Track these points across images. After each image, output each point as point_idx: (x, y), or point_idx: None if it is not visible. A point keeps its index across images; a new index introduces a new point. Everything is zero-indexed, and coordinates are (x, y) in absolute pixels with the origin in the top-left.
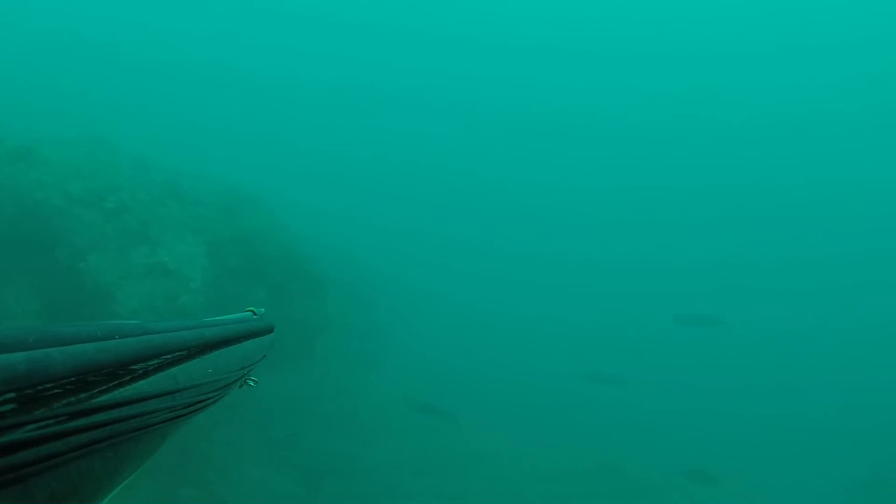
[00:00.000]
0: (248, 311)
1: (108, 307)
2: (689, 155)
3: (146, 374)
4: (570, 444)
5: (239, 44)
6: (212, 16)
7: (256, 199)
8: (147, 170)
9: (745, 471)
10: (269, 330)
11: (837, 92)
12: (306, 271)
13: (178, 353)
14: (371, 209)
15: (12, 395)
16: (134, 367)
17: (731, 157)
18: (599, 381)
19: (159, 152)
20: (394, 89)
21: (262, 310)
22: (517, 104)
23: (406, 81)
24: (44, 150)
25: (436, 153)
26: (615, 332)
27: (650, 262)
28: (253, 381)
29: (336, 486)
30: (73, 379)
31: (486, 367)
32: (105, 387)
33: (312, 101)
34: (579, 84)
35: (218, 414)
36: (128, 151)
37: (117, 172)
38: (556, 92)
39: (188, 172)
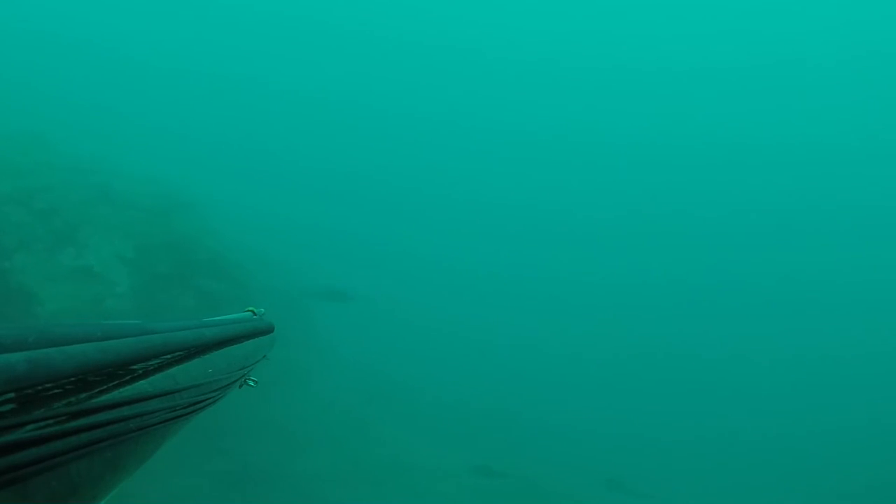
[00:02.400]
0: (248, 310)
1: (30, 308)
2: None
3: (146, 374)
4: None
5: (179, 48)
6: (154, 19)
7: (189, 204)
8: (81, 171)
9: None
10: (269, 330)
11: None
12: (236, 278)
13: (177, 353)
14: (304, 216)
15: (12, 395)
16: (134, 367)
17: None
18: None
19: (95, 153)
20: (330, 96)
21: (262, 310)
22: (455, 113)
23: (343, 88)
24: None
25: (372, 160)
26: None
27: None
28: (253, 381)
29: (263, 494)
30: (73, 379)
31: (419, 378)
32: (105, 387)
33: (249, 107)
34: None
35: None
36: (64, 151)
37: (51, 172)
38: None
39: (123, 174)
